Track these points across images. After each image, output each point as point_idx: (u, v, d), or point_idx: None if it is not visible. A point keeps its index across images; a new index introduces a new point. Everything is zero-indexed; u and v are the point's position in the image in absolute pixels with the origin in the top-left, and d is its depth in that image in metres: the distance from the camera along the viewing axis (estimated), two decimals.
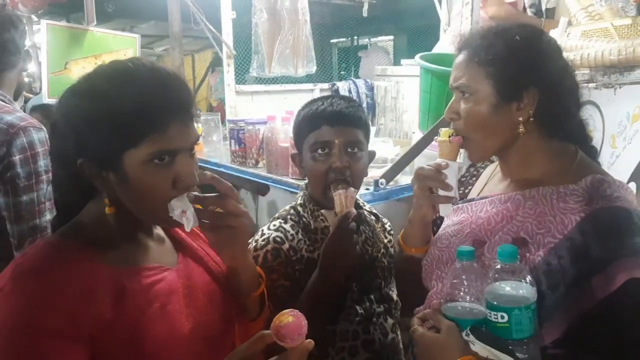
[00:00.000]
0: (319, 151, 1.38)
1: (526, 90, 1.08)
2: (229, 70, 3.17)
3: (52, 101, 2.90)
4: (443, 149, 1.20)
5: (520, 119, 1.09)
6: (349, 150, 1.38)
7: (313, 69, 3.21)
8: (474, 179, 1.36)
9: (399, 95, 3.62)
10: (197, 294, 1.05)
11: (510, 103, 1.09)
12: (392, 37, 7.37)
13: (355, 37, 7.54)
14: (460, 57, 1.16)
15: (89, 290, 0.87)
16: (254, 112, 3.23)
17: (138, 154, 0.88)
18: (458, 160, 1.22)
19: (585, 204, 1.01)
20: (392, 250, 1.54)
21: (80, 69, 2.87)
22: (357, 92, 3.76)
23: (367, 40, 7.70)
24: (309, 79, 5.07)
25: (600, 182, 1.04)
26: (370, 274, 1.46)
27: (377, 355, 1.43)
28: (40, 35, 2.66)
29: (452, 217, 1.27)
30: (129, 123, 0.86)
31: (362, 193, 2.14)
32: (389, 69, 3.79)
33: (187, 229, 0.94)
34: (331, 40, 7.49)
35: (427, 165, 1.21)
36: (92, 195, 0.98)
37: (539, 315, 0.96)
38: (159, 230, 1.08)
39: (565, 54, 1.16)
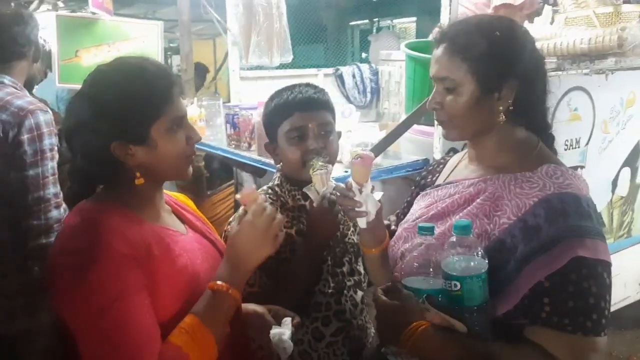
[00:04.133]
0: (295, 136, 1.50)
1: (506, 82, 1.15)
2: (233, 57, 3.30)
3: (63, 87, 3.13)
4: (352, 170, 1.30)
5: (501, 108, 1.16)
6: (322, 132, 1.51)
7: (289, 58, 3.48)
8: (441, 166, 1.45)
9: (402, 79, 3.66)
10: (209, 258, 1.25)
11: (492, 94, 1.16)
12: (414, 19, 7.31)
13: (376, 20, 7.51)
14: (441, 50, 1.20)
15: (137, 233, 1.11)
16: (260, 97, 3.33)
17: (163, 124, 1.14)
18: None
19: (538, 190, 1.11)
20: None
21: (91, 56, 3.07)
22: (361, 76, 3.80)
23: (389, 21, 7.67)
24: (327, 62, 5.11)
25: (554, 171, 1.14)
26: (341, 249, 1.60)
27: (348, 324, 1.57)
28: (51, 26, 2.86)
29: (419, 202, 1.37)
30: (152, 103, 1.13)
31: (343, 175, 2.25)
32: (393, 54, 3.82)
33: None
34: (350, 23, 7.50)
35: (341, 184, 1.33)
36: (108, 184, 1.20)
37: (493, 289, 1.06)
38: (166, 205, 1.32)
39: (544, 42, 1.21)
